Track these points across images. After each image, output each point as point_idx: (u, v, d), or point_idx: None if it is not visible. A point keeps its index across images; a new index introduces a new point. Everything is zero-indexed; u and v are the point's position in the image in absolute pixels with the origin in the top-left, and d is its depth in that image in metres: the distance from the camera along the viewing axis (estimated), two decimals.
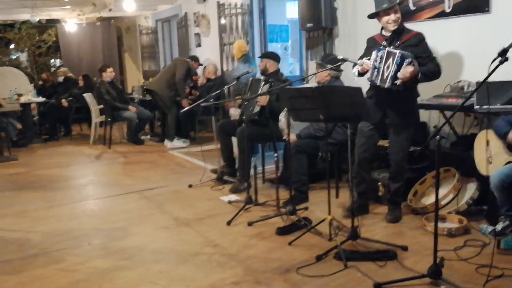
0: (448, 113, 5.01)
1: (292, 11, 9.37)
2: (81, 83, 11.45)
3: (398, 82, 4.08)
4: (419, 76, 4.13)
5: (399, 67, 4.06)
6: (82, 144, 10.24)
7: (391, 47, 4.24)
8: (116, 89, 9.92)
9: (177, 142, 9.21)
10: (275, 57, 6.08)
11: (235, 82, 5.89)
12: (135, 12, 13.34)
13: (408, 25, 4.63)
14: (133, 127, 9.73)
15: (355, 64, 4.40)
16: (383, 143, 5.11)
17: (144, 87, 10.21)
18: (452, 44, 5.25)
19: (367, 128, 4.55)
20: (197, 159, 7.87)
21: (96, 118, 10.19)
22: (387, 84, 4.14)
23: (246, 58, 8.17)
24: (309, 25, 6.81)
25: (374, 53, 4.21)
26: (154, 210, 5.43)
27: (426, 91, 4.87)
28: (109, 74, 9.74)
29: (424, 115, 5.30)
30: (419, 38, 4.28)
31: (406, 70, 4.04)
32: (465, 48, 5.17)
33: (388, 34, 4.34)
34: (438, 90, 5.11)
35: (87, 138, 10.65)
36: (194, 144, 9.17)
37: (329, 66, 4.82)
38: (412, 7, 5.61)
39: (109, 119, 9.71)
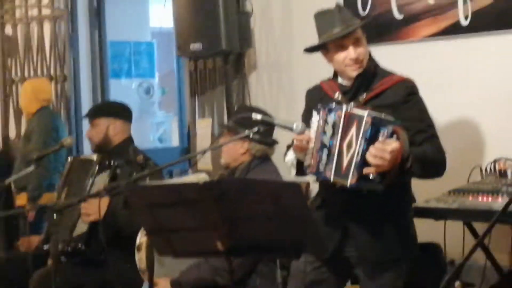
0: (480, 226, 3.09)
1: (162, 16, 5.46)
2: None
3: (368, 172, 2.47)
4: (408, 162, 2.50)
5: (369, 143, 2.46)
6: None
7: (352, 104, 2.65)
8: None
9: None
10: (123, 113, 3.63)
11: (32, 167, 3.39)
12: None
13: (389, 49, 3.37)
14: None
15: (289, 129, 2.68)
16: None
17: None
18: (476, 87, 3.53)
19: (311, 266, 2.82)
20: None
21: None
22: (349, 180, 2.51)
23: (46, 114, 4.59)
24: (195, 46, 4.09)
25: (315, 117, 2.63)
26: None
27: (434, 183, 2.95)
28: None
29: (430, 232, 3.22)
30: (407, 90, 2.71)
31: (385, 148, 2.42)
32: (503, 96, 3.41)
33: (347, 82, 2.80)
34: (457, 179, 3.26)
35: None
36: None
37: (246, 131, 2.90)
38: (397, 15, 3.71)
39: None
